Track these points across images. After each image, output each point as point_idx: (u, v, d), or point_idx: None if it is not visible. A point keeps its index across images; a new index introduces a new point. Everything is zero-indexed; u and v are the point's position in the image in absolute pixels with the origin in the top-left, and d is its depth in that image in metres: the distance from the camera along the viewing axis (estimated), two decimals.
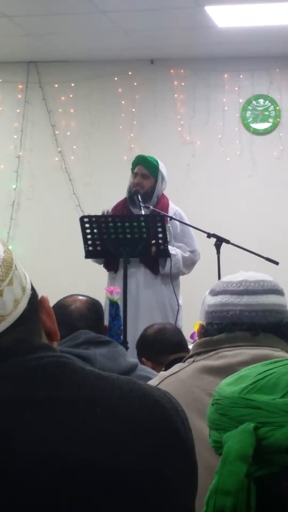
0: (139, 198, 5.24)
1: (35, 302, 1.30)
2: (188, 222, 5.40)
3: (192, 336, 5.17)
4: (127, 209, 5.38)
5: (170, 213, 5.34)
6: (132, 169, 5.42)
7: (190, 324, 4.93)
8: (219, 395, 0.96)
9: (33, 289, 1.30)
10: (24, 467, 1.13)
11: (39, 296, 1.32)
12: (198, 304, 3.20)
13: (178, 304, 5.29)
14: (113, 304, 4.39)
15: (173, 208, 5.43)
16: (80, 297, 3.08)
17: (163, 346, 3.50)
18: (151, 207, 5.25)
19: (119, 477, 1.15)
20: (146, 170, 5.34)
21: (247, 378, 0.95)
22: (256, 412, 0.90)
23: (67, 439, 1.15)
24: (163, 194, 5.44)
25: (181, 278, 5.46)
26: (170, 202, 5.45)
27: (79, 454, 1.15)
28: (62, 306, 2.97)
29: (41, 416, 1.17)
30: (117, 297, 4.42)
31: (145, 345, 3.56)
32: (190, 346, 3.70)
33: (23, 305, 1.26)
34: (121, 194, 5.51)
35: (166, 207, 5.37)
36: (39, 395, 1.19)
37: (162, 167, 5.38)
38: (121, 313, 4.54)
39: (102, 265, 5.43)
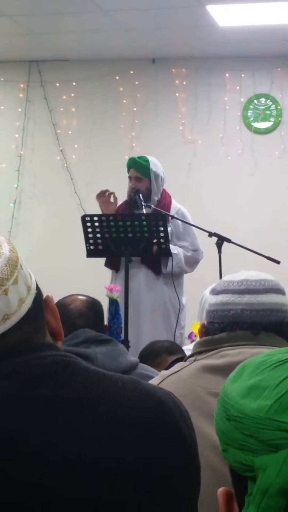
0: (141, 197, 5.22)
1: (40, 302, 1.31)
2: (190, 221, 5.38)
3: (190, 336, 5.17)
4: (129, 211, 5.36)
5: (173, 212, 5.32)
6: (128, 173, 5.40)
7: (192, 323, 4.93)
8: (238, 412, 0.87)
9: (38, 288, 1.31)
10: (26, 465, 1.13)
11: (44, 296, 1.33)
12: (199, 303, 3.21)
13: (180, 304, 5.27)
14: (112, 302, 4.39)
15: (176, 207, 5.39)
16: (80, 297, 3.09)
17: (157, 350, 3.55)
18: (153, 206, 5.24)
19: (122, 476, 1.15)
20: (137, 172, 5.30)
21: (266, 390, 0.87)
22: None
23: (70, 438, 1.16)
24: (165, 192, 5.41)
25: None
26: (173, 200, 5.42)
27: (82, 453, 1.15)
28: (61, 306, 2.97)
29: (45, 415, 1.17)
30: (117, 295, 4.41)
31: (143, 358, 3.59)
32: (188, 346, 3.73)
33: (28, 304, 1.26)
34: (122, 193, 5.49)
35: (168, 206, 5.35)
36: (43, 394, 1.19)
37: (154, 165, 5.32)
38: (121, 311, 4.53)
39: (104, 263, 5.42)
